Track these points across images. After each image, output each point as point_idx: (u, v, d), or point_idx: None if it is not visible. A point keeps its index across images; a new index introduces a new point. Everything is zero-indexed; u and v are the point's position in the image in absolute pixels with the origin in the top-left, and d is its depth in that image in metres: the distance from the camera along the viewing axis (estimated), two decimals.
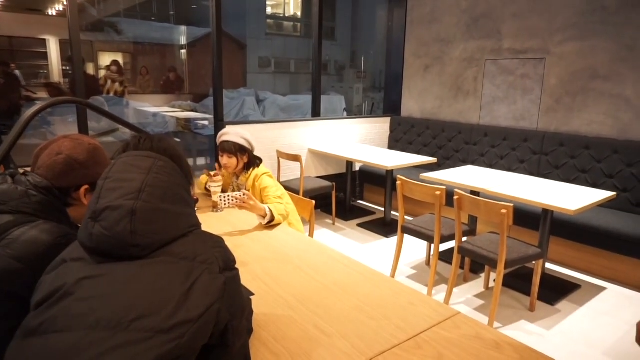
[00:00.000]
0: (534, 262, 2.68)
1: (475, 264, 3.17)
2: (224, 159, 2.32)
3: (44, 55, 9.76)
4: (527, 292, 2.83)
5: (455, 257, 2.71)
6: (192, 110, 8.27)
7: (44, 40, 9.63)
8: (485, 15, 4.22)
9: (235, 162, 2.33)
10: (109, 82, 7.80)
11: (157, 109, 7.66)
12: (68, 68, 3.22)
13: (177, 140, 6.38)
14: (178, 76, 10.14)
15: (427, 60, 4.81)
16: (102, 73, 8.76)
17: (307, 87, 9.01)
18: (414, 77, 4.98)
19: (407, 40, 5.01)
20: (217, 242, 0.94)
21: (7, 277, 0.93)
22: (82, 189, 1.13)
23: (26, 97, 7.37)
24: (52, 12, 9.59)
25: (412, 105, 5.05)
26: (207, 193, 2.40)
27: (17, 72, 8.70)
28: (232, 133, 2.33)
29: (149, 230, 0.84)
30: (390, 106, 5.34)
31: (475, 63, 4.35)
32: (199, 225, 0.97)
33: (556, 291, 2.95)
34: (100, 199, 0.86)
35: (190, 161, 6.18)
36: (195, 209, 2.20)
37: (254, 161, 2.39)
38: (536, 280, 2.68)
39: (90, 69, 10.10)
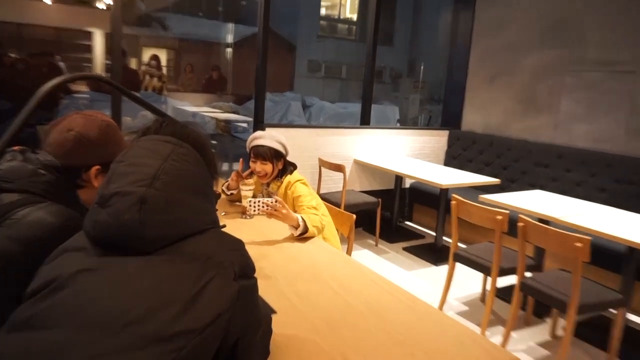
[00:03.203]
0: (614, 311, 2.46)
1: (540, 305, 2.94)
2: (258, 166, 2.29)
3: (89, 48, 10.35)
4: (603, 346, 2.59)
5: (516, 295, 2.53)
6: (233, 113, 8.44)
7: (90, 33, 10.23)
8: (566, 20, 4.02)
9: (271, 168, 2.30)
10: (147, 77, 8.13)
11: (196, 109, 7.87)
12: (111, 62, 3.38)
13: (214, 142, 6.50)
14: (221, 75, 10.40)
15: (494, 70, 4.64)
16: (144, 69, 9.17)
17: (358, 95, 8.98)
18: (478, 88, 4.82)
19: (472, 48, 4.87)
20: (235, 245, 0.89)
21: (4, 261, 0.91)
22: (93, 170, 1.12)
23: (65, 90, 7.79)
24: (101, 5, 10.19)
25: (474, 119, 4.88)
26: (226, 197, 2.41)
27: (61, 63, 9.26)
28: (266, 137, 2.30)
29: (160, 221, 0.80)
30: (449, 118, 5.20)
31: (551, 75, 4.14)
32: (217, 223, 0.92)
33: None
34: (110, 183, 0.84)
35: (225, 165, 6.30)
36: (223, 212, 2.21)
37: (288, 167, 2.35)
38: (616, 333, 2.45)
39: (133, 64, 10.61)
